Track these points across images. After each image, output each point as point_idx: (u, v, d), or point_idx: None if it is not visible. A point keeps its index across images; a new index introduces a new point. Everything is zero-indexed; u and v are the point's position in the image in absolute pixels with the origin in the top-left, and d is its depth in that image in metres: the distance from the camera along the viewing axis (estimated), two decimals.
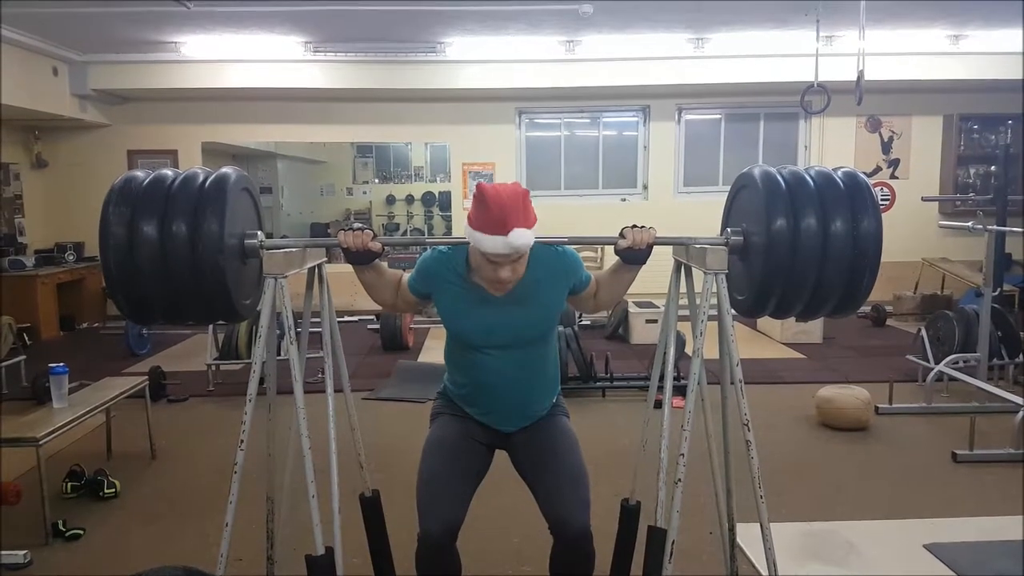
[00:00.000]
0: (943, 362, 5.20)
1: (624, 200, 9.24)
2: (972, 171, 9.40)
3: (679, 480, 1.92)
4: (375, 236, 2.02)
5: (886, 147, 9.36)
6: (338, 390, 2.24)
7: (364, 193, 9.39)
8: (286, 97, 8.54)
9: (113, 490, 3.64)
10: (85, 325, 8.36)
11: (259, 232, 2.09)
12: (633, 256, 2.04)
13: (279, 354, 5.05)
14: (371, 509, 2.43)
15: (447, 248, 2.14)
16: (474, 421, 2.19)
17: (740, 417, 1.94)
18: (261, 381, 1.93)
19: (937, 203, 9.09)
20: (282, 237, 8.80)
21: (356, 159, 9.24)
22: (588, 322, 7.86)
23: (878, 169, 9.37)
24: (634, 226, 2.03)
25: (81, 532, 3.25)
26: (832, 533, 3.23)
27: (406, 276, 2.18)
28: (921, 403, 4.99)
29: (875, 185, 9.32)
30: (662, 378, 2.16)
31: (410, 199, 8.73)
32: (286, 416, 2.21)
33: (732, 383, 1.97)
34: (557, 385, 2.26)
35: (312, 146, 9.14)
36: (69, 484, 3.65)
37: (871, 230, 1.93)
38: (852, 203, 1.95)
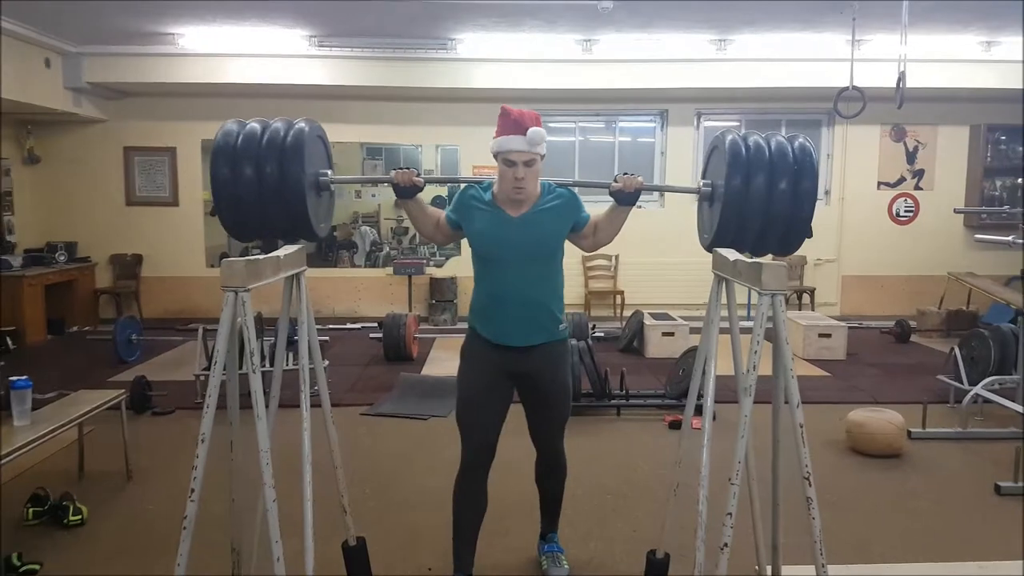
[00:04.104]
0: (980, 384, 4.85)
1: (640, 207, 8.89)
2: (999, 183, 9.09)
3: (726, 545, 1.58)
4: (418, 174, 2.54)
5: (911, 157, 9.05)
6: (315, 406, 1.90)
7: (372, 196, 9.09)
8: (290, 94, 8.19)
9: (79, 517, 3.30)
10: (75, 328, 8.03)
11: (329, 171, 2.56)
12: (624, 197, 2.60)
13: (269, 365, 4.68)
14: (356, 560, 2.08)
15: (476, 186, 2.72)
16: (493, 350, 2.63)
17: (801, 470, 1.59)
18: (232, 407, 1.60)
19: (962, 216, 8.75)
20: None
21: (365, 161, 8.94)
22: (602, 334, 7.52)
23: (902, 179, 9.05)
24: (626, 173, 2.60)
25: (37, 567, 2.90)
26: None
27: (444, 212, 2.75)
28: (956, 427, 4.67)
29: (899, 196, 9.04)
30: (700, 395, 1.83)
31: None
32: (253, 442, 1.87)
33: (793, 429, 1.63)
34: (560, 305, 2.72)
35: None
36: (31, 510, 3.30)
37: (808, 190, 2.36)
38: (798, 169, 2.35)
